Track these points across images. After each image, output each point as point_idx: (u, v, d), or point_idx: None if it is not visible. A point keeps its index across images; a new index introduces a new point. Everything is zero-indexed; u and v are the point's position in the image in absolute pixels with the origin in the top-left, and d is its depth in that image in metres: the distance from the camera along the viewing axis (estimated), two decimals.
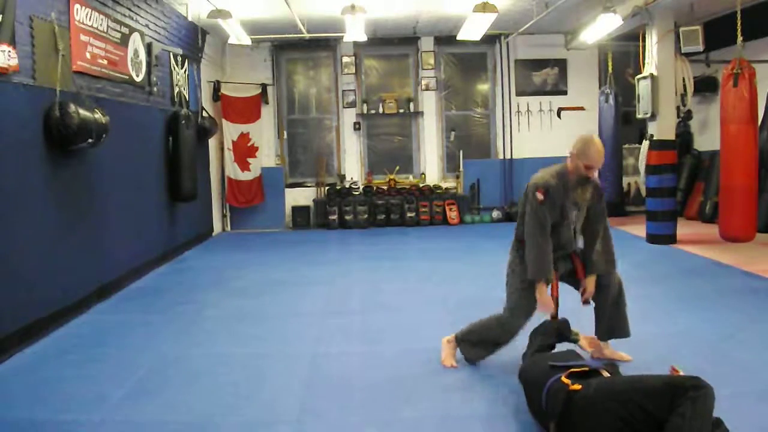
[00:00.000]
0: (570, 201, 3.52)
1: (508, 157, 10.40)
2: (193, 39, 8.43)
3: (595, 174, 3.60)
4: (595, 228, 3.65)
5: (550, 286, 3.57)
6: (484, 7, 7.04)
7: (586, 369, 2.81)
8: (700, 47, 7.73)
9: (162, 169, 7.13)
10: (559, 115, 10.38)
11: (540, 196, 3.41)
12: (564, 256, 3.64)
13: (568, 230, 3.57)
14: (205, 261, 7.52)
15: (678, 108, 8.28)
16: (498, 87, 10.39)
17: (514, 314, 3.61)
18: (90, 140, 4.84)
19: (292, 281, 6.22)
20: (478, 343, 3.70)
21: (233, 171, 9.82)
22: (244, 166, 9.83)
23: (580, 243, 3.71)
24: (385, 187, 10.15)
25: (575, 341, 3.49)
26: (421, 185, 10.22)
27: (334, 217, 9.90)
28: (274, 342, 4.35)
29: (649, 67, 7.70)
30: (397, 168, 10.34)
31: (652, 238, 7.64)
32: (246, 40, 8.39)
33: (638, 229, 8.30)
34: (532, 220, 3.45)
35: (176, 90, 7.63)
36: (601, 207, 3.66)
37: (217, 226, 9.55)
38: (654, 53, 7.60)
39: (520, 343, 3.60)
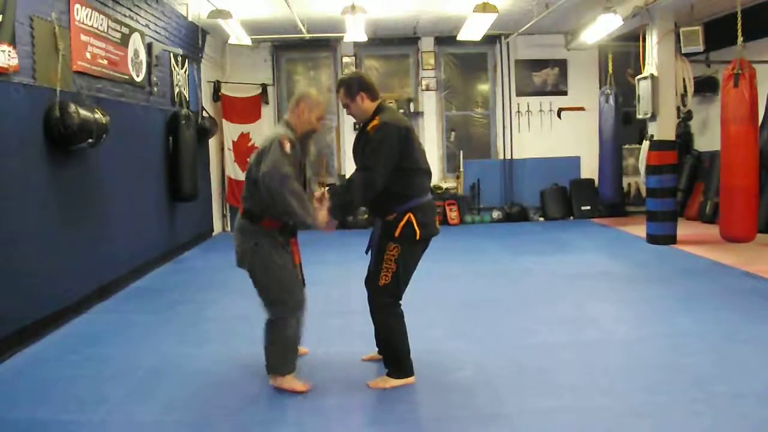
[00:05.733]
0: (303, 157, 3.57)
1: (508, 157, 10.39)
2: (194, 39, 8.43)
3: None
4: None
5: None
6: (484, 8, 7.04)
7: None
8: (701, 47, 7.72)
9: (162, 169, 7.13)
10: (559, 116, 10.38)
11: (288, 145, 3.33)
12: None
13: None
14: (205, 261, 7.52)
15: (678, 108, 8.28)
16: (498, 87, 10.39)
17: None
18: (90, 140, 4.84)
19: None
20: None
21: (233, 171, 9.81)
22: (245, 166, 9.79)
23: None
24: None
25: None
26: None
27: None
28: None
29: (650, 67, 7.70)
30: None
31: (652, 239, 7.64)
32: (246, 40, 8.38)
33: (638, 230, 8.30)
34: (288, 167, 3.30)
35: (176, 90, 7.63)
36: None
37: (217, 226, 9.55)
38: (654, 54, 7.61)
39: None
